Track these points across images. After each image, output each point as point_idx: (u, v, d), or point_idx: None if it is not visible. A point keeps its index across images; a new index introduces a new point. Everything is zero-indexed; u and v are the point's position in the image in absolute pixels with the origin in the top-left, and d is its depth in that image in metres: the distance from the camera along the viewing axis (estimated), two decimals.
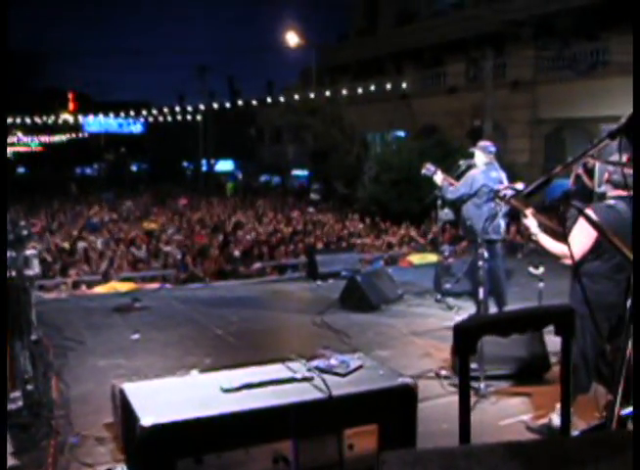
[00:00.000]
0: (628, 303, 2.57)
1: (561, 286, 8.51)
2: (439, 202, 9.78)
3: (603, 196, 14.26)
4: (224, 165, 57.21)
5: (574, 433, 5.23)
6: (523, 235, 17.31)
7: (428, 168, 9.06)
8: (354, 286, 9.94)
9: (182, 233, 18.68)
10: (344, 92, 35.20)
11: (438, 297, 10.30)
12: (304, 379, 3.38)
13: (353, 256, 13.23)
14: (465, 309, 9.58)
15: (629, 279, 4.84)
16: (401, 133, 34.71)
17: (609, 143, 2.61)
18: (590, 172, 15.22)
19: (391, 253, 17.04)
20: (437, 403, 6.29)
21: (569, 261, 5.15)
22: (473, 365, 6.64)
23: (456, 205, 9.21)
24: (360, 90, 34.86)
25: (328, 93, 35.43)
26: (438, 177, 8.94)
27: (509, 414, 6.05)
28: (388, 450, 3.28)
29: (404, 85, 34.33)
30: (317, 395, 3.20)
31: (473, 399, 6.27)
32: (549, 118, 27.40)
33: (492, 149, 8.88)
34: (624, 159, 5.07)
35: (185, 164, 62.53)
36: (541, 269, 8.06)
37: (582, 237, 4.88)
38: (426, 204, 10.95)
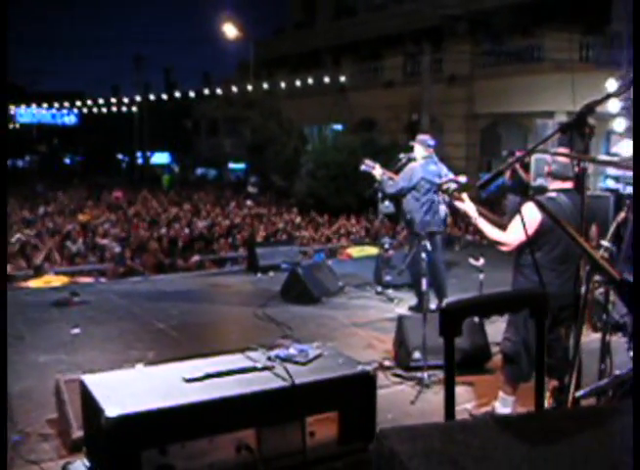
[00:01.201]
0: (582, 291, 2.61)
1: (500, 277, 8.64)
2: (379, 195, 9.85)
3: (539, 189, 14.51)
4: (160, 158, 56.61)
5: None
6: (460, 227, 17.58)
7: (366, 164, 9.12)
8: (295, 279, 9.94)
9: (119, 226, 18.43)
10: (282, 85, 35.15)
11: (379, 289, 10.36)
12: (266, 368, 3.37)
13: (293, 248, 13.22)
14: (405, 301, 9.66)
15: (573, 270, 4.97)
16: (339, 127, 34.83)
17: (558, 136, 2.64)
18: (526, 166, 15.52)
19: (330, 245, 17.10)
20: (382, 394, 6.31)
21: (505, 249, 5.25)
22: (416, 355, 6.74)
23: (397, 198, 9.29)
24: (298, 83, 34.85)
25: (266, 86, 35.33)
26: (378, 172, 9.00)
27: None
28: (346, 439, 3.34)
29: (342, 79, 34.40)
30: (279, 383, 3.20)
31: (416, 389, 6.35)
32: (485, 113, 27.80)
33: (431, 143, 8.97)
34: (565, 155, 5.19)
35: (120, 156, 61.67)
36: (481, 261, 8.17)
37: (521, 227, 4.96)
38: (366, 197, 11.00)
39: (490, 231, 5.26)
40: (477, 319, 7.29)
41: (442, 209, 8.70)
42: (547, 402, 5.41)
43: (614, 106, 13.85)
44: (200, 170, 53.86)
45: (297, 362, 3.45)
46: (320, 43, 36.62)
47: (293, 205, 24.59)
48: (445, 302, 6.74)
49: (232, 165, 47.90)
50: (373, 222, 19.66)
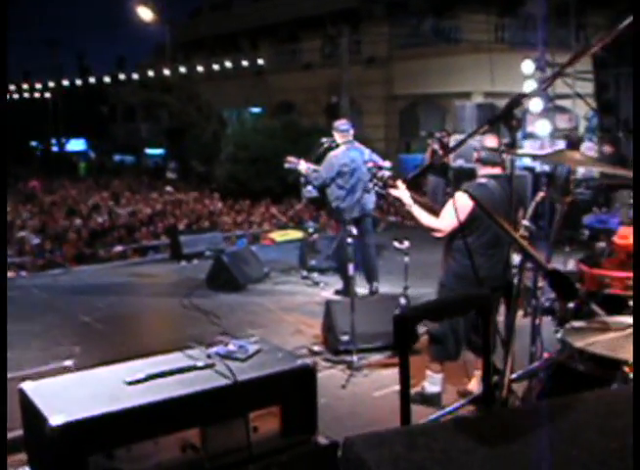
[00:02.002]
0: (515, 279, 2.66)
1: (425, 259, 8.82)
2: (302, 180, 9.83)
3: (458, 170, 14.68)
4: (75, 145, 55.28)
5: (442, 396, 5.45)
6: (383, 209, 17.71)
7: (290, 161, 9.02)
8: (220, 266, 9.88)
9: (36, 217, 17.97)
10: (200, 69, 34.73)
11: (304, 273, 10.38)
12: (207, 366, 3.34)
13: (217, 235, 13.13)
14: (331, 285, 9.71)
15: (502, 254, 5.08)
16: (258, 110, 34.67)
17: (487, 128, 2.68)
18: (446, 147, 15.66)
19: (253, 230, 17.03)
20: None
21: (439, 235, 5.33)
22: (345, 339, 6.80)
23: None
24: (216, 67, 34.49)
25: (183, 70, 34.86)
26: (302, 167, 8.90)
27: (382, 385, 6.21)
28: (289, 432, 3.36)
29: (260, 62, 34.20)
30: (222, 381, 3.18)
31: (346, 372, 6.42)
32: (404, 94, 28.01)
33: (345, 127, 8.88)
34: (494, 142, 5.30)
35: (33, 143, 60.01)
36: (406, 244, 8.25)
37: (453, 213, 5.04)
38: (288, 182, 10.97)
39: (425, 218, 5.31)
40: (403, 301, 7.39)
41: (371, 195, 8.70)
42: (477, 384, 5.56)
43: (529, 88, 14.12)
44: (117, 157, 52.85)
45: (237, 359, 3.44)
46: (237, 25, 36.22)
47: (214, 190, 24.37)
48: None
49: (150, 151, 47.15)
50: (295, 206, 19.68)
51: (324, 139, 9.44)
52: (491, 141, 5.24)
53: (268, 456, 3.20)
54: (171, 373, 3.27)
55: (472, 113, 14.34)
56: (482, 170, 5.27)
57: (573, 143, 14.12)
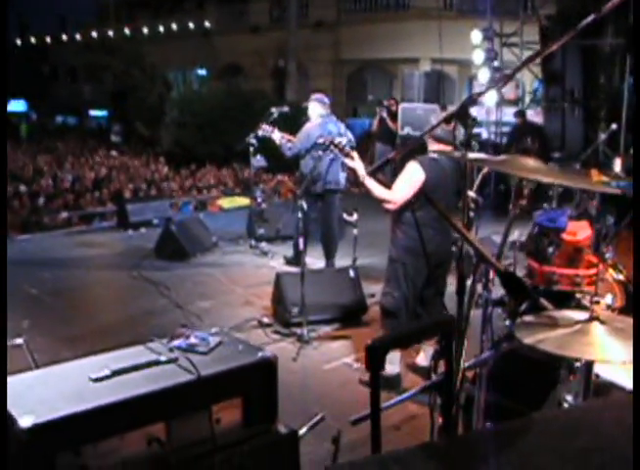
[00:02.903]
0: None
1: (372, 228, 8.90)
2: (251, 149, 9.76)
3: (405, 138, 14.69)
4: (15, 106, 54.02)
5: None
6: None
7: (264, 129, 8.88)
8: (169, 236, 9.81)
9: None
10: (145, 30, 34.09)
11: (252, 242, 10.35)
12: (170, 361, 3.35)
13: (164, 203, 13.03)
14: (279, 254, 9.74)
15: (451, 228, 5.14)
16: (204, 72, 34.26)
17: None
18: (394, 116, 15.69)
19: (200, 197, 16.91)
20: None
21: (390, 207, 5.36)
22: (295, 311, 6.86)
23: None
24: (162, 28, 33.90)
25: (127, 31, 34.18)
26: (276, 136, 8.76)
27: (332, 358, 6.31)
28: (251, 422, 3.40)
29: (207, 23, 33.70)
30: (186, 376, 3.19)
31: (297, 345, 6.48)
32: (351, 59, 27.93)
33: (325, 100, 8.76)
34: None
35: None
36: (355, 216, 8.30)
37: (406, 186, 5.08)
38: (237, 151, 10.88)
39: (378, 190, 5.32)
40: (352, 274, 7.44)
41: (341, 170, 8.66)
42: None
43: (478, 57, 14.23)
44: (59, 118, 51.78)
45: (199, 352, 3.45)
46: None
47: (159, 154, 24.09)
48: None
49: (93, 113, 46.31)
50: (242, 171, 19.59)
51: (273, 109, 9.37)
52: (442, 117, 5.28)
53: (231, 446, 3.24)
54: (135, 369, 3.27)
55: (419, 81, 14.43)
56: (435, 146, 5.30)
57: (520, 113, 14.29)
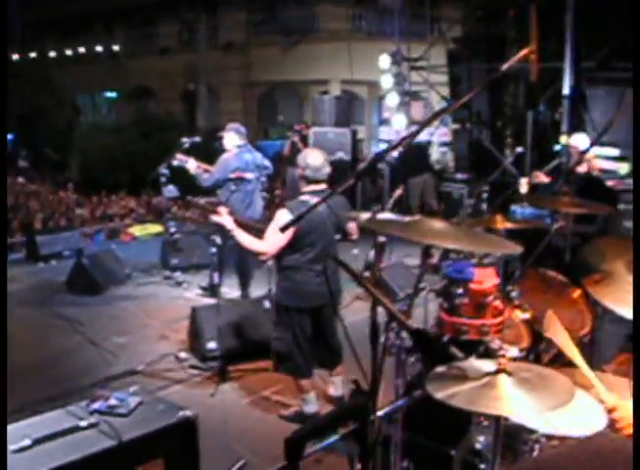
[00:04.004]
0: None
1: None
2: (163, 179, 9.61)
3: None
4: None
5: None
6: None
7: (179, 159, 8.78)
8: (80, 269, 9.63)
9: None
10: (52, 53, 33.45)
11: (166, 273, 10.26)
12: (90, 426, 3.29)
13: (75, 233, 12.72)
14: (194, 284, 9.70)
15: (332, 269, 5.20)
16: (113, 94, 33.83)
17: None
18: (305, 139, 15.75)
19: (112, 225, 16.59)
20: (182, 388, 6.48)
21: (264, 258, 5.46)
22: (212, 345, 6.82)
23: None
24: (69, 51, 33.33)
25: (33, 54, 33.47)
26: (191, 165, 8.63)
27: (251, 391, 6.33)
28: None
29: (116, 46, 33.29)
30: (107, 442, 3.15)
31: (215, 380, 6.45)
32: (262, 81, 27.97)
33: (243, 130, 8.77)
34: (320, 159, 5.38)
35: None
36: None
37: (277, 235, 5.09)
38: (148, 180, 10.75)
39: (249, 242, 5.40)
40: (268, 305, 7.41)
41: (260, 200, 8.67)
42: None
43: (386, 81, 14.47)
44: None
45: (119, 414, 3.41)
46: (90, 7, 35.00)
47: (68, 180, 23.61)
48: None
49: None
50: (153, 197, 19.34)
51: (185, 139, 9.28)
52: (317, 158, 5.33)
53: None
54: (56, 436, 3.21)
55: (330, 105, 14.53)
56: (306, 188, 5.34)
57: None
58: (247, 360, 6.89)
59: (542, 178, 8.97)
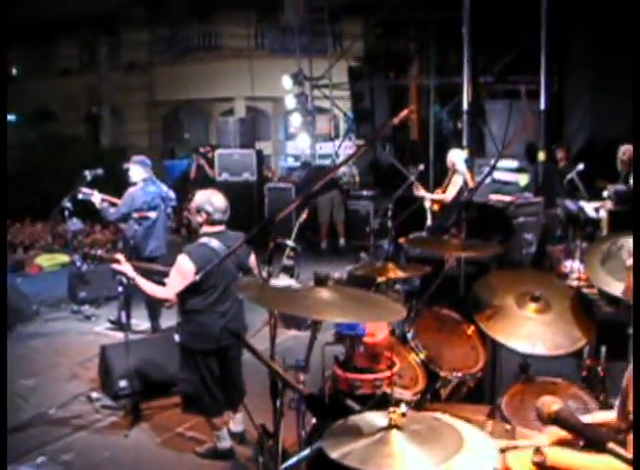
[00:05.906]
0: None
1: None
2: (66, 213, 9.45)
3: (224, 183, 14.64)
4: None
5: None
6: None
7: (84, 192, 8.67)
8: None
9: None
10: None
11: (75, 308, 10.10)
12: None
13: None
14: (102, 318, 9.57)
15: (235, 309, 5.39)
16: (13, 118, 33.00)
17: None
18: (211, 162, 15.75)
19: (17, 256, 15.99)
20: (95, 430, 6.39)
21: (168, 304, 5.50)
22: (123, 384, 6.76)
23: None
24: None
25: None
26: (96, 199, 8.53)
27: (165, 429, 6.30)
28: None
29: (13, 71, 32.46)
30: None
31: (128, 419, 6.39)
32: (166, 100, 27.71)
33: (149, 162, 8.76)
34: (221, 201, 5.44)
35: None
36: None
37: (177, 280, 5.15)
38: (52, 215, 10.58)
39: (151, 289, 5.47)
40: (177, 338, 7.37)
41: (164, 232, 8.64)
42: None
43: (290, 103, 14.66)
44: None
45: None
46: None
47: None
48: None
49: None
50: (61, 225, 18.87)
51: (86, 172, 9.10)
52: (221, 201, 5.40)
53: None
54: None
55: (235, 126, 14.58)
56: (206, 229, 5.40)
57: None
58: (159, 396, 6.85)
59: (421, 191, 9.39)
